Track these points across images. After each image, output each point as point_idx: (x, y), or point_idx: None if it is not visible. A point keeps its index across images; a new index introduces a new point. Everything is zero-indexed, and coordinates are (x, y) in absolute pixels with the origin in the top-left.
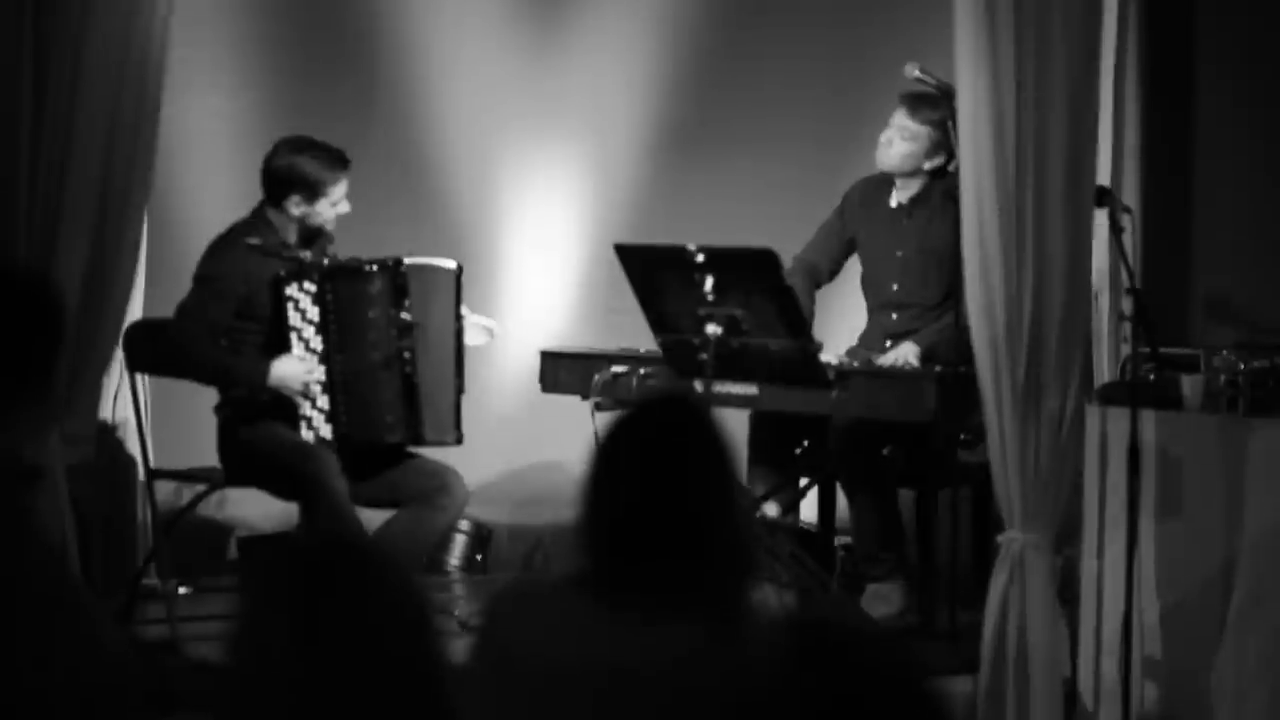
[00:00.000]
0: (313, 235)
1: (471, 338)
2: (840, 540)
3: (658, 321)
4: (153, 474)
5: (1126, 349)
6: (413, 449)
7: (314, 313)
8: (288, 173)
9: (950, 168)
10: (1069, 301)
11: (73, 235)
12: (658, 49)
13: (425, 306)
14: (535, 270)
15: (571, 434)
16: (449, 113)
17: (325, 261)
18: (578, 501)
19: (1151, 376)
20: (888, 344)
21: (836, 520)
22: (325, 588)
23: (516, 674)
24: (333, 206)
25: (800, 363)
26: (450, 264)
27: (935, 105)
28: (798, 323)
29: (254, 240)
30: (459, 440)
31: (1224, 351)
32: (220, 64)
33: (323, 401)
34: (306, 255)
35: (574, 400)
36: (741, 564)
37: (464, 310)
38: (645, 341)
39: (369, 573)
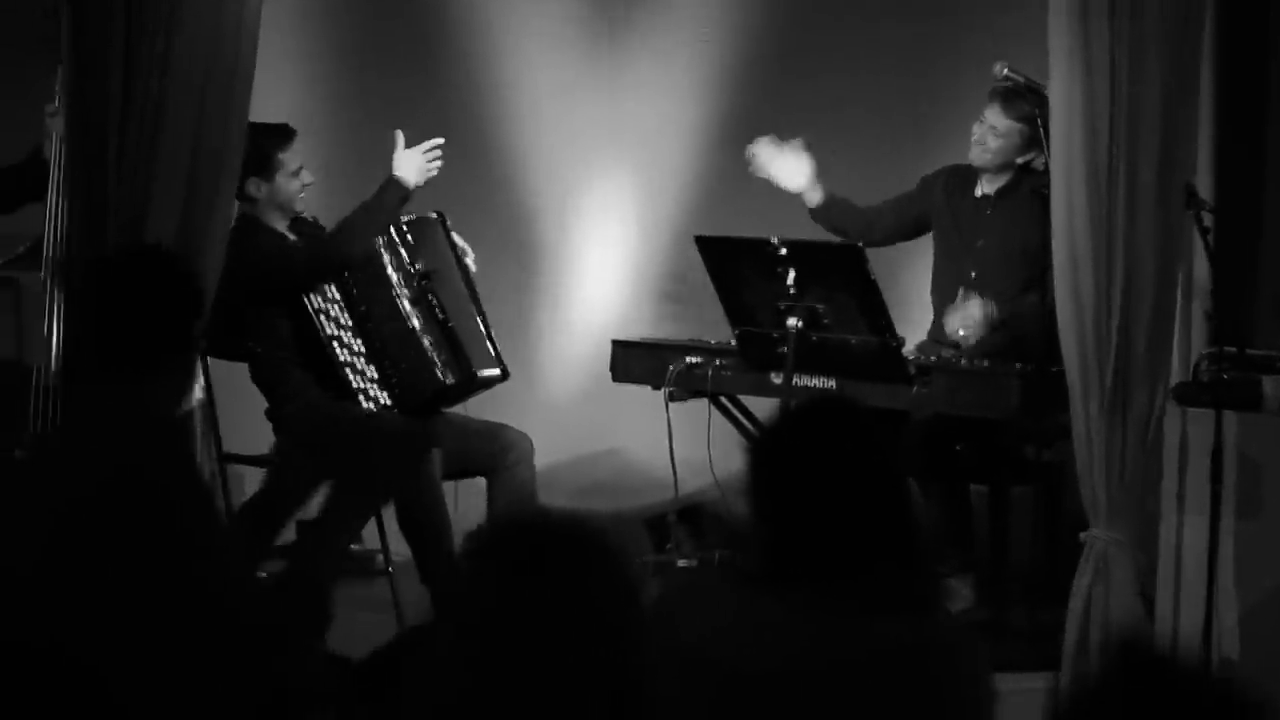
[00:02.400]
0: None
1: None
2: None
3: (735, 313)
4: (225, 458)
5: (1199, 349)
6: (467, 415)
7: (334, 290)
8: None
9: (1036, 164)
10: (1158, 302)
11: (161, 213)
12: (722, 43)
13: (431, 255)
14: (596, 261)
15: (632, 422)
16: (516, 109)
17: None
18: (748, 497)
19: (1224, 376)
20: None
21: None
22: (544, 564)
23: (690, 672)
24: (293, 178)
25: (882, 357)
26: (431, 215)
27: (1027, 100)
28: (881, 318)
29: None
30: (504, 373)
31: None
32: (291, 66)
33: (371, 370)
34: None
35: (634, 389)
36: (921, 559)
37: (463, 246)
38: (703, 332)
39: (589, 553)
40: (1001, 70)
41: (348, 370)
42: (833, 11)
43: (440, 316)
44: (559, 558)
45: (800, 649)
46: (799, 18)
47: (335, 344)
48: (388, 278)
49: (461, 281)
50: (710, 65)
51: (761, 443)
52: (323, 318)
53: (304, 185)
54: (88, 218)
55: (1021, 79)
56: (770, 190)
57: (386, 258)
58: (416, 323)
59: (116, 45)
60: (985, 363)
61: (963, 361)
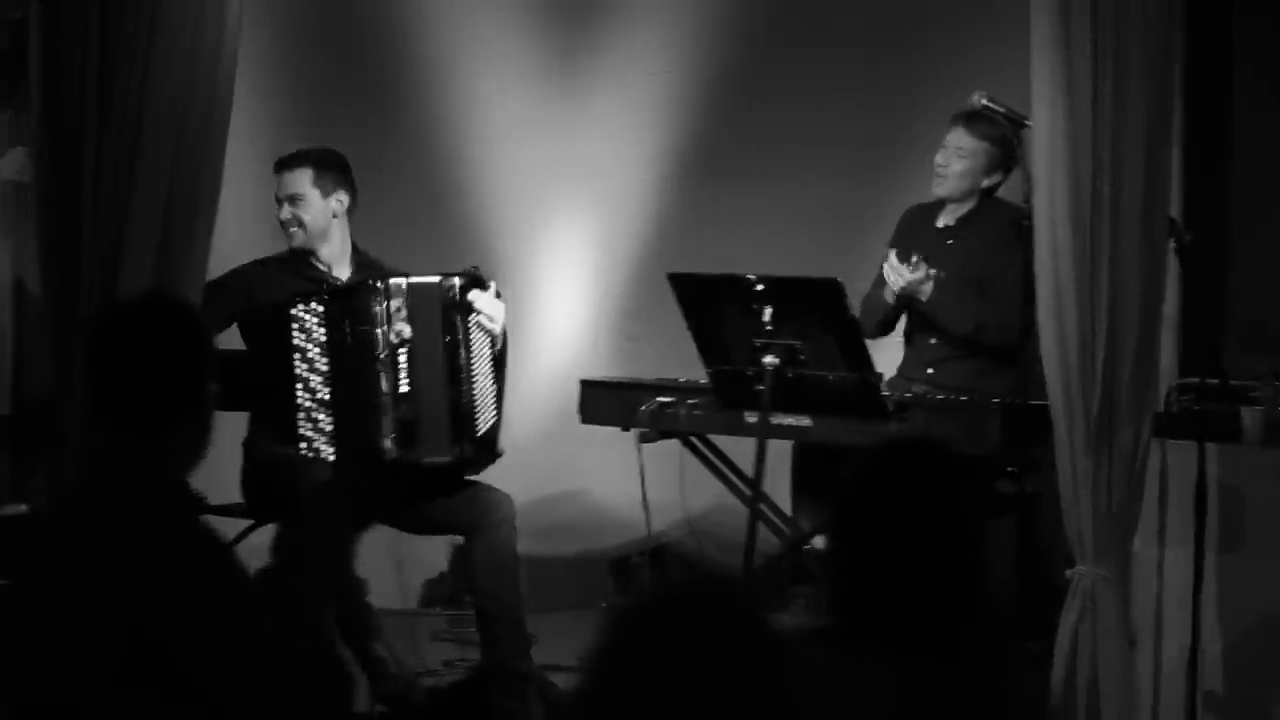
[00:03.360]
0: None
1: (479, 343)
2: None
3: (708, 351)
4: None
5: (1168, 380)
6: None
7: (320, 333)
8: None
9: (1021, 197)
10: (1143, 334)
11: (139, 245)
12: (682, 74)
13: (424, 323)
14: (556, 299)
15: (594, 463)
16: (475, 147)
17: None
18: (827, 552)
19: (1205, 408)
20: (929, 371)
21: None
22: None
23: None
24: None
25: (860, 394)
26: (432, 279)
27: (992, 122)
28: (859, 353)
29: (283, 254)
30: (462, 456)
31: (1277, 382)
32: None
33: (326, 421)
34: (335, 279)
35: (594, 429)
36: (993, 610)
37: (481, 316)
38: (662, 370)
39: (747, 625)
40: (980, 100)
41: (300, 415)
42: (794, 43)
43: (404, 391)
44: (718, 632)
45: (879, 706)
46: (760, 50)
47: (300, 385)
48: (365, 335)
49: (443, 357)
50: (669, 97)
51: (846, 494)
52: (298, 356)
53: (281, 220)
54: (61, 258)
55: (1001, 109)
56: (729, 223)
57: (375, 317)
58: (379, 387)
59: (91, 75)
60: (963, 397)
61: (939, 396)
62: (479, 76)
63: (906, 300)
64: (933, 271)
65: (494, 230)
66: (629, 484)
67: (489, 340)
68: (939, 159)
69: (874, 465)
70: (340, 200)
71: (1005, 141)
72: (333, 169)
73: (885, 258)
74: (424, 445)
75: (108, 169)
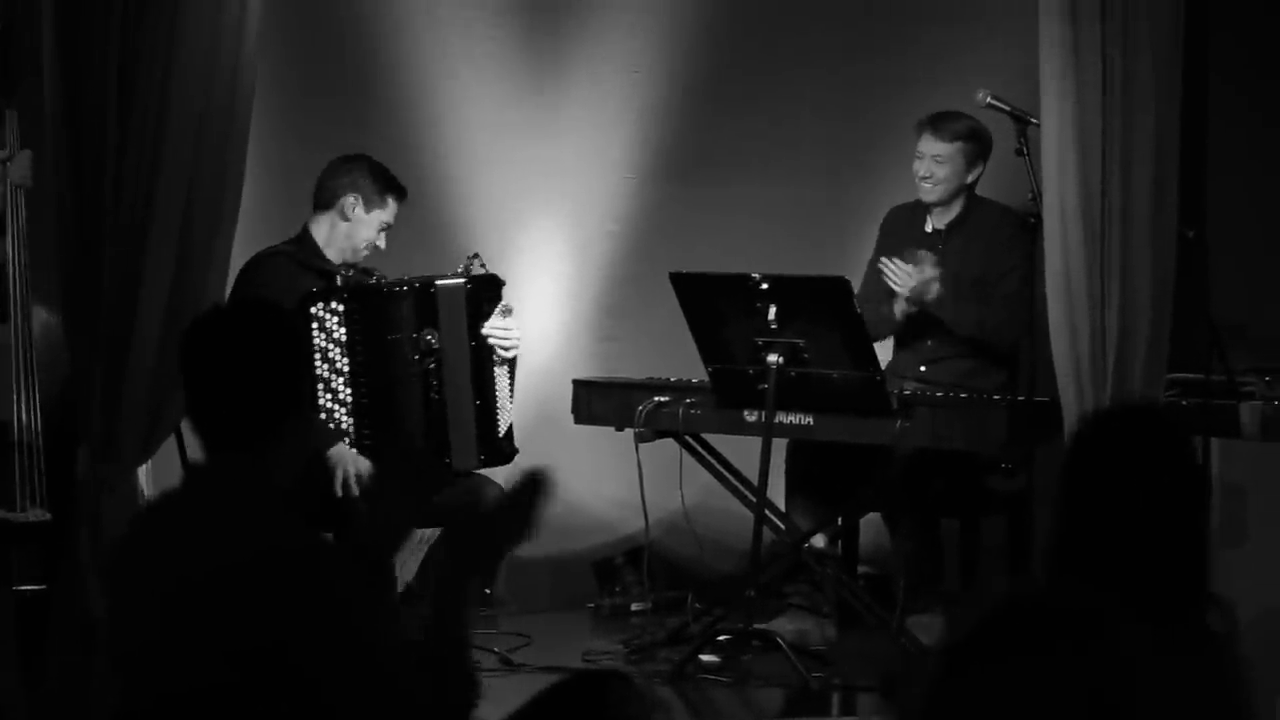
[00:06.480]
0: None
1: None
2: (862, 570)
3: (709, 350)
4: None
5: None
6: None
7: (340, 333)
8: (358, 173)
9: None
10: (1154, 324)
11: (159, 251)
12: (655, 77)
13: (449, 326)
14: (531, 299)
15: (571, 462)
16: (451, 149)
17: (352, 279)
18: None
19: (1184, 403)
20: (922, 369)
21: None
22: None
23: None
24: (379, 227)
25: (864, 392)
26: (458, 281)
27: (955, 118)
28: (864, 352)
29: (289, 248)
30: (484, 463)
31: (1266, 378)
32: None
33: (347, 423)
34: (342, 270)
35: (571, 428)
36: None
37: (494, 324)
38: (644, 369)
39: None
40: (985, 98)
41: (322, 416)
42: (766, 43)
43: (432, 397)
44: (1064, 638)
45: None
46: (732, 50)
47: (321, 385)
48: (395, 344)
49: (469, 361)
50: (642, 98)
51: (1079, 453)
52: (318, 356)
53: (376, 245)
54: (82, 260)
55: (1006, 106)
56: (704, 223)
57: (400, 321)
58: (411, 398)
59: (110, 76)
60: (964, 395)
61: (938, 394)
62: (452, 78)
63: (913, 308)
64: (939, 271)
65: (469, 230)
66: (609, 483)
67: (498, 350)
68: (919, 169)
69: (1108, 428)
70: None
71: (975, 134)
72: None
73: (879, 266)
74: (452, 455)
75: (129, 179)
